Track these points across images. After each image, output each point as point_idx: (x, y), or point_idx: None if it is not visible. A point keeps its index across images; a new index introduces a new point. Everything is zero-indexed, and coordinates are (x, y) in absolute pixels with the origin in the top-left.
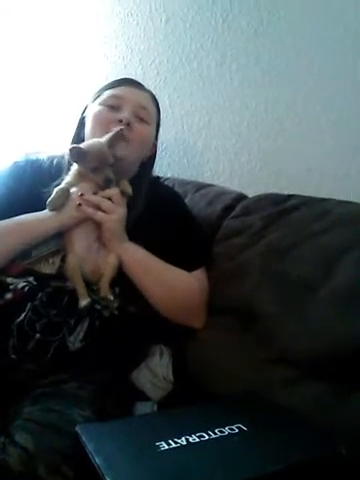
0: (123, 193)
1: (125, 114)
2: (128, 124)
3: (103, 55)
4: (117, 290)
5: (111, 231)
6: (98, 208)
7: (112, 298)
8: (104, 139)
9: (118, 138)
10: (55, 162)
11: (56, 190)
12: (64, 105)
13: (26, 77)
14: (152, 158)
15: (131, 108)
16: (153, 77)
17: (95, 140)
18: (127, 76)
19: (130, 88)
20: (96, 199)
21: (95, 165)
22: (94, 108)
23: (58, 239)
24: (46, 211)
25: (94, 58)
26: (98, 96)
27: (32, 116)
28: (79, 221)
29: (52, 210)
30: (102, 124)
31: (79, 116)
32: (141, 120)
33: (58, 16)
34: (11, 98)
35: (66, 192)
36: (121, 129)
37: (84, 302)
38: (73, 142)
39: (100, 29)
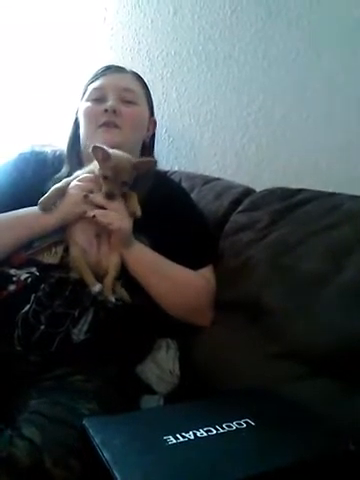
0: (131, 214)
1: (109, 102)
2: (114, 111)
3: (110, 47)
4: (120, 282)
5: (121, 238)
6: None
7: (113, 300)
8: (134, 159)
9: (147, 165)
10: (57, 154)
11: (51, 189)
12: (70, 98)
13: (33, 70)
14: (153, 138)
15: (115, 95)
16: (160, 69)
17: (125, 154)
18: (112, 64)
19: (110, 75)
20: (102, 214)
21: (107, 174)
22: (82, 106)
23: (60, 230)
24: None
25: (101, 50)
26: (84, 92)
27: (38, 109)
28: (79, 216)
29: (42, 210)
30: (91, 118)
31: (74, 116)
32: (128, 103)
33: (65, 8)
34: (18, 90)
35: (60, 191)
36: (154, 162)
37: (97, 288)
38: (71, 142)
39: (107, 21)
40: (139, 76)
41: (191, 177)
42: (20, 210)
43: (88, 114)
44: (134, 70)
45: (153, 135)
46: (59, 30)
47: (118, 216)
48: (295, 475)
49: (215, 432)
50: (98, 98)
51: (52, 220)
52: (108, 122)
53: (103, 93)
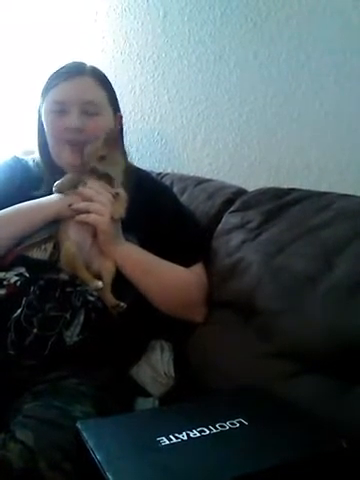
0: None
1: (72, 119)
2: (78, 129)
3: (101, 50)
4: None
5: (105, 233)
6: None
7: (125, 305)
8: (101, 136)
9: (113, 134)
10: (35, 162)
11: (67, 175)
12: None
13: (24, 72)
14: (120, 132)
15: (77, 109)
16: (151, 72)
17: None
18: (70, 62)
19: (70, 83)
20: (85, 205)
21: (84, 160)
22: (45, 115)
23: (50, 227)
24: (45, 198)
25: (92, 53)
26: (44, 97)
27: (29, 112)
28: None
29: (57, 192)
30: (55, 133)
31: (37, 118)
32: (91, 115)
33: (56, 11)
34: (8, 94)
35: (76, 181)
36: (111, 129)
37: (98, 284)
38: (40, 146)
39: (98, 24)
40: (99, 75)
41: (183, 178)
42: (18, 205)
43: (51, 128)
44: (94, 65)
45: (121, 130)
46: (50, 33)
47: (100, 209)
48: (289, 473)
49: (208, 432)
50: (59, 111)
51: (49, 212)
52: (72, 141)
53: (64, 106)
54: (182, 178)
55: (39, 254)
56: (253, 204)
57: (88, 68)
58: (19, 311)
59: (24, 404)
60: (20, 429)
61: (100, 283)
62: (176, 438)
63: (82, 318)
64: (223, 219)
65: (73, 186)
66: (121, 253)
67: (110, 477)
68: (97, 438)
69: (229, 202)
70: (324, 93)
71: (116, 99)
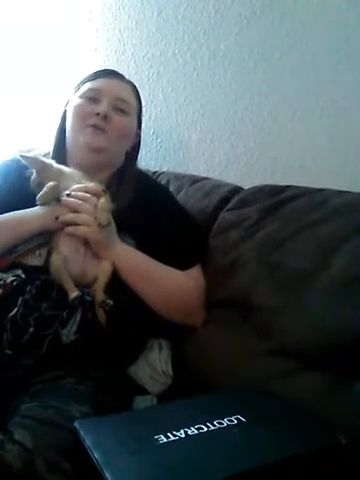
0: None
1: (102, 107)
2: (105, 117)
3: (95, 49)
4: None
5: (97, 243)
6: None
7: (111, 302)
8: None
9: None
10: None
11: (47, 185)
12: (56, 99)
13: (18, 72)
14: (136, 148)
15: (109, 100)
16: (146, 70)
17: None
18: (109, 68)
19: (109, 80)
20: (72, 218)
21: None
22: (74, 100)
23: (44, 233)
24: (30, 210)
25: (86, 52)
26: (78, 89)
27: (23, 111)
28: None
29: (42, 205)
30: (80, 117)
31: (63, 109)
32: (120, 111)
33: (50, 10)
34: (2, 93)
35: (57, 188)
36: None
37: (74, 294)
38: (57, 135)
39: (92, 23)
40: (136, 88)
41: (179, 177)
42: (4, 215)
43: (78, 111)
44: (132, 81)
45: (137, 146)
46: (44, 32)
47: (88, 220)
48: (287, 470)
49: (206, 430)
50: (92, 98)
51: (35, 226)
52: (96, 125)
53: (98, 95)
54: (178, 177)
55: (34, 260)
56: (249, 202)
57: (126, 78)
58: (15, 310)
59: (21, 404)
60: (18, 430)
61: (74, 294)
62: (174, 436)
63: (79, 317)
64: (219, 217)
65: (57, 195)
66: (117, 257)
67: (108, 476)
68: (95, 437)
69: (225, 200)
70: (319, 91)
71: (141, 117)
